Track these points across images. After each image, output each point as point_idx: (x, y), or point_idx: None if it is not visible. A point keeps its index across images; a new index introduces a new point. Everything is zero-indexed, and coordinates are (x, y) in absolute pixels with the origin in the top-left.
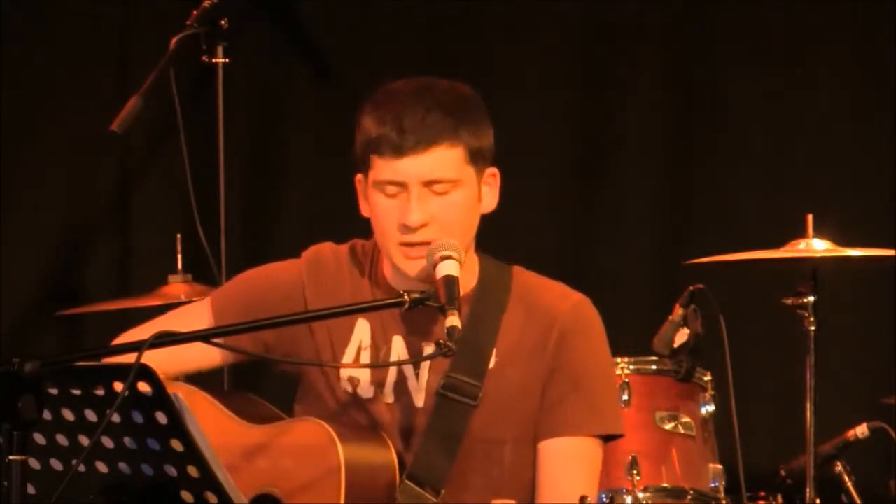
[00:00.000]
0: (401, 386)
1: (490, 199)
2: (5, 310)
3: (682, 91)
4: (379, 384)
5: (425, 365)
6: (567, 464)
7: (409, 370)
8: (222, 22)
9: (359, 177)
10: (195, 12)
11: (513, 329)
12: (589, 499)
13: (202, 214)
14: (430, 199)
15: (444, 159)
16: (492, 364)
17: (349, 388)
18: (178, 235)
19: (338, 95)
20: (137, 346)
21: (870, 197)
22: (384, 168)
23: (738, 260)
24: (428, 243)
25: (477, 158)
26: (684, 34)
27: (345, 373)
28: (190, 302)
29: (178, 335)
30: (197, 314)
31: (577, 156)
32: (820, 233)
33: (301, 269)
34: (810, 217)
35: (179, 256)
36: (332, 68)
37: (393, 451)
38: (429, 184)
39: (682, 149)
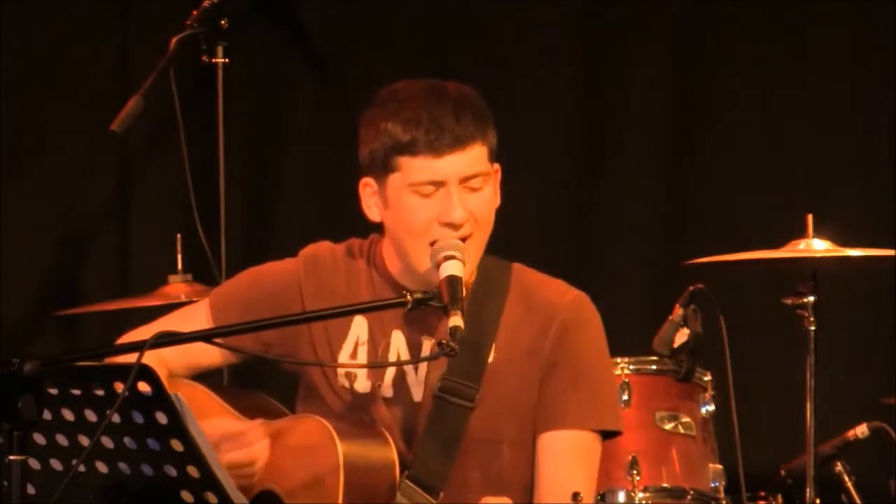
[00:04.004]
0: (400, 381)
1: (497, 194)
2: (5, 310)
3: (682, 91)
4: (377, 379)
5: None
6: (565, 457)
7: (408, 365)
8: (222, 22)
9: (366, 181)
10: (195, 12)
11: (512, 324)
12: (582, 495)
13: (202, 214)
14: (466, 195)
15: (478, 156)
16: (491, 359)
17: (346, 384)
18: (178, 235)
19: (338, 95)
20: (138, 346)
21: (870, 197)
22: (421, 168)
23: (738, 260)
24: (467, 238)
25: (493, 156)
26: (684, 34)
27: (342, 369)
28: (190, 302)
29: (179, 335)
30: (196, 315)
31: (577, 155)
32: (820, 233)
33: (298, 267)
34: (810, 217)
35: (179, 256)
36: (332, 68)
37: (394, 449)
38: (465, 180)
39: (682, 149)
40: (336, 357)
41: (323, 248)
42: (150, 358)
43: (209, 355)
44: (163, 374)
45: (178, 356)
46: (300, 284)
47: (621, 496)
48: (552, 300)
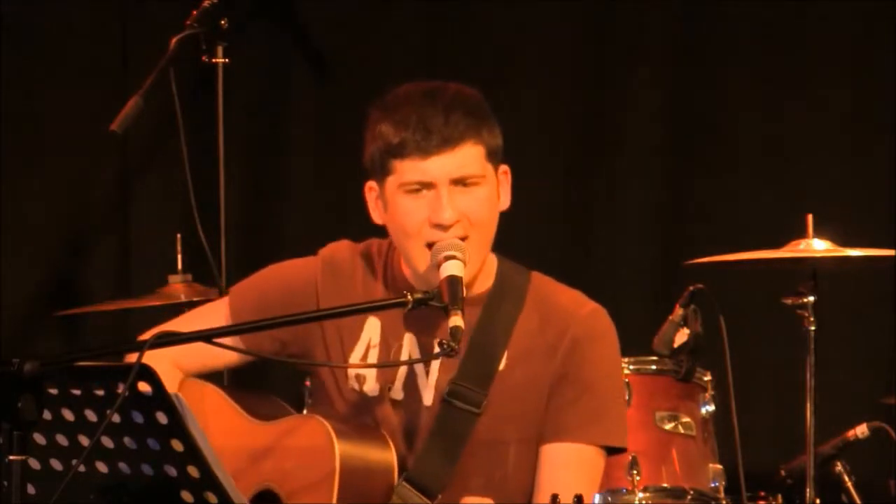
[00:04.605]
0: (410, 383)
1: (505, 196)
2: (5, 310)
3: (682, 91)
4: (388, 381)
5: (435, 364)
6: (566, 469)
7: (419, 368)
8: (222, 22)
9: (370, 184)
10: (195, 12)
11: (526, 333)
12: (559, 497)
13: (202, 214)
14: (458, 196)
15: (469, 157)
16: (501, 366)
17: (356, 386)
18: (178, 235)
19: (338, 95)
20: (138, 347)
21: (870, 197)
22: (411, 170)
23: (738, 260)
24: (463, 240)
25: (494, 157)
26: (684, 35)
27: (352, 371)
28: (190, 302)
29: (180, 335)
30: (216, 312)
31: (577, 156)
32: (820, 233)
33: (316, 267)
34: (810, 217)
35: (179, 256)
36: (332, 68)
37: (394, 452)
38: (456, 182)
39: (682, 149)
40: (347, 359)
41: (342, 248)
42: (164, 360)
43: (221, 354)
44: (177, 376)
45: (194, 356)
46: (316, 284)
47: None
48: (568, 311)
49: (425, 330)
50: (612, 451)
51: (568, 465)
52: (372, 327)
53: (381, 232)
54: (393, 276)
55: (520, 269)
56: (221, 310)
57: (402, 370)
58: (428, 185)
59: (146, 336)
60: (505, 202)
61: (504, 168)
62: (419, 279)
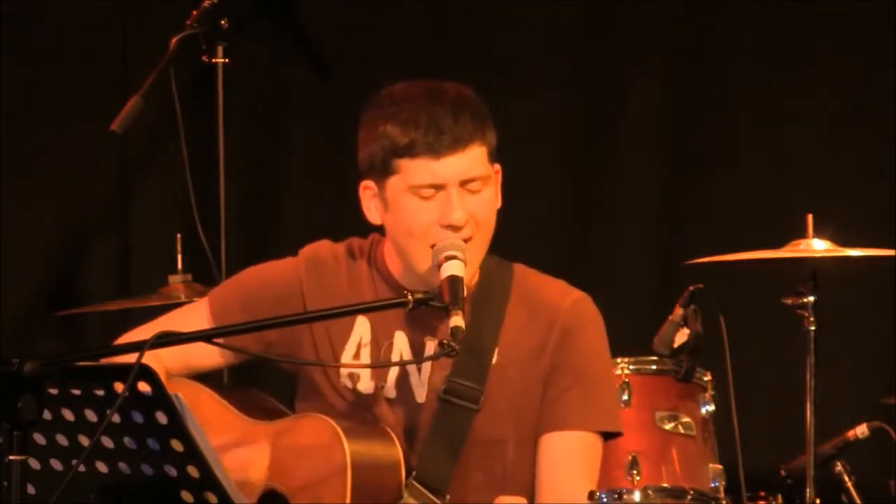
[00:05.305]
0: (403, 381)
1: (498, 196)
2: (5, 310)
3: (682, 91)
4: (381, 379)
5: (428, 362)
6: (567, 458)
7: (411, 366)
8: (222, 22)
9: (366, 183)
10: (195, 12)
11: (515, 327)
12: (597, 493)
13: (202, 214)
14: (466, 197)
15: (477, 158)
16: (494, 361)
17: (349, 384)
18: (178, 235)
19: (338, 95)
20: (138, 347)
21: (870, 197)
22: (420, 171)
23: (738, 260)
24: (468, 240)
25: (493, 157)
26: (684, 34)
27: (344, 369)
28: (190, 302)
29: (180, 335)
30: (195, 314)
31: (576, 155)
32: (820, 233)
33: (299, 267)
34: (810, 217)
35: (179, 256)
36: (332, 68)
37: (399, 448)
38: (464, 183)
39: (681, 148)
40: (339, 358)
41: (324, 247)
42: (148, 359)
43: (207, 356)
44: (161, 375)
45: (176, 357)
46: (301, 285)
47: (637, 496)
48: (554, 303)
49: (415, 328)
50: (607, 437)
51: (567, 453)
52: (362, 326)
53: (366, 232)
54: (379, 274)
55: (502, 263)
56: (200, 313)
57: (395, 369)
58: (438, 187)
59: (121, 341)
60: (498, 201)
61: (497, 167)
62: (409, 277)
